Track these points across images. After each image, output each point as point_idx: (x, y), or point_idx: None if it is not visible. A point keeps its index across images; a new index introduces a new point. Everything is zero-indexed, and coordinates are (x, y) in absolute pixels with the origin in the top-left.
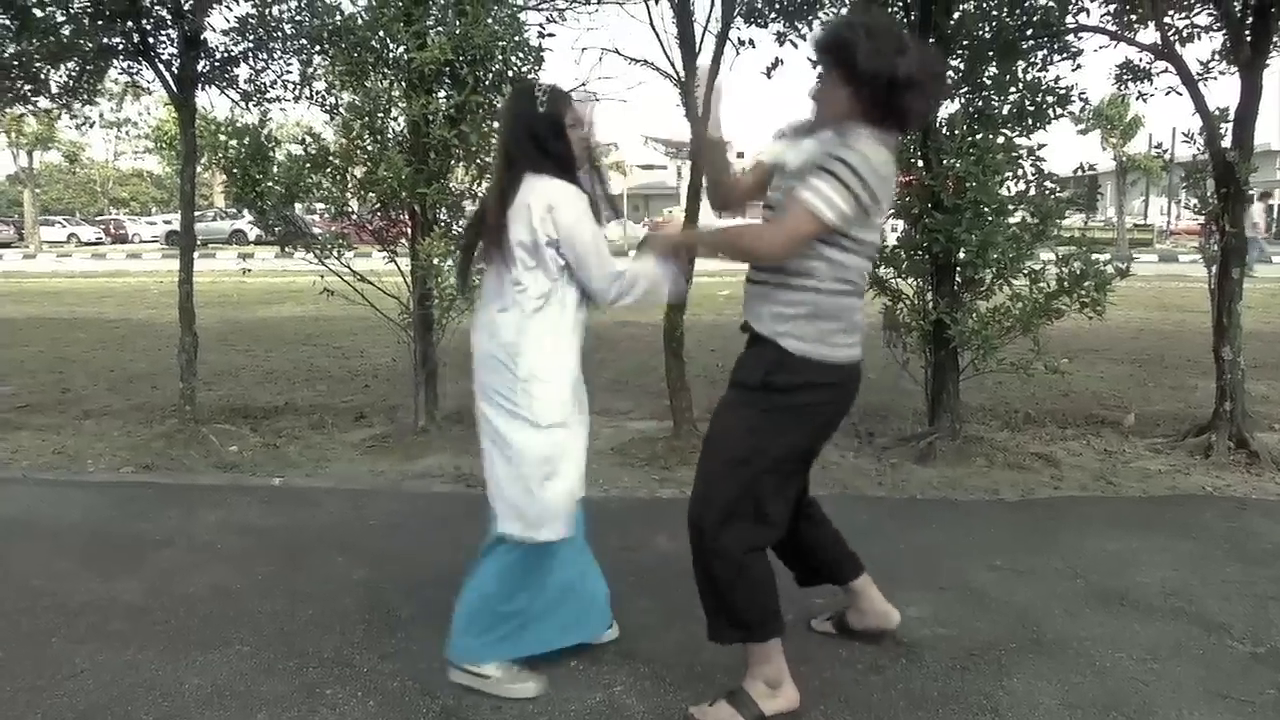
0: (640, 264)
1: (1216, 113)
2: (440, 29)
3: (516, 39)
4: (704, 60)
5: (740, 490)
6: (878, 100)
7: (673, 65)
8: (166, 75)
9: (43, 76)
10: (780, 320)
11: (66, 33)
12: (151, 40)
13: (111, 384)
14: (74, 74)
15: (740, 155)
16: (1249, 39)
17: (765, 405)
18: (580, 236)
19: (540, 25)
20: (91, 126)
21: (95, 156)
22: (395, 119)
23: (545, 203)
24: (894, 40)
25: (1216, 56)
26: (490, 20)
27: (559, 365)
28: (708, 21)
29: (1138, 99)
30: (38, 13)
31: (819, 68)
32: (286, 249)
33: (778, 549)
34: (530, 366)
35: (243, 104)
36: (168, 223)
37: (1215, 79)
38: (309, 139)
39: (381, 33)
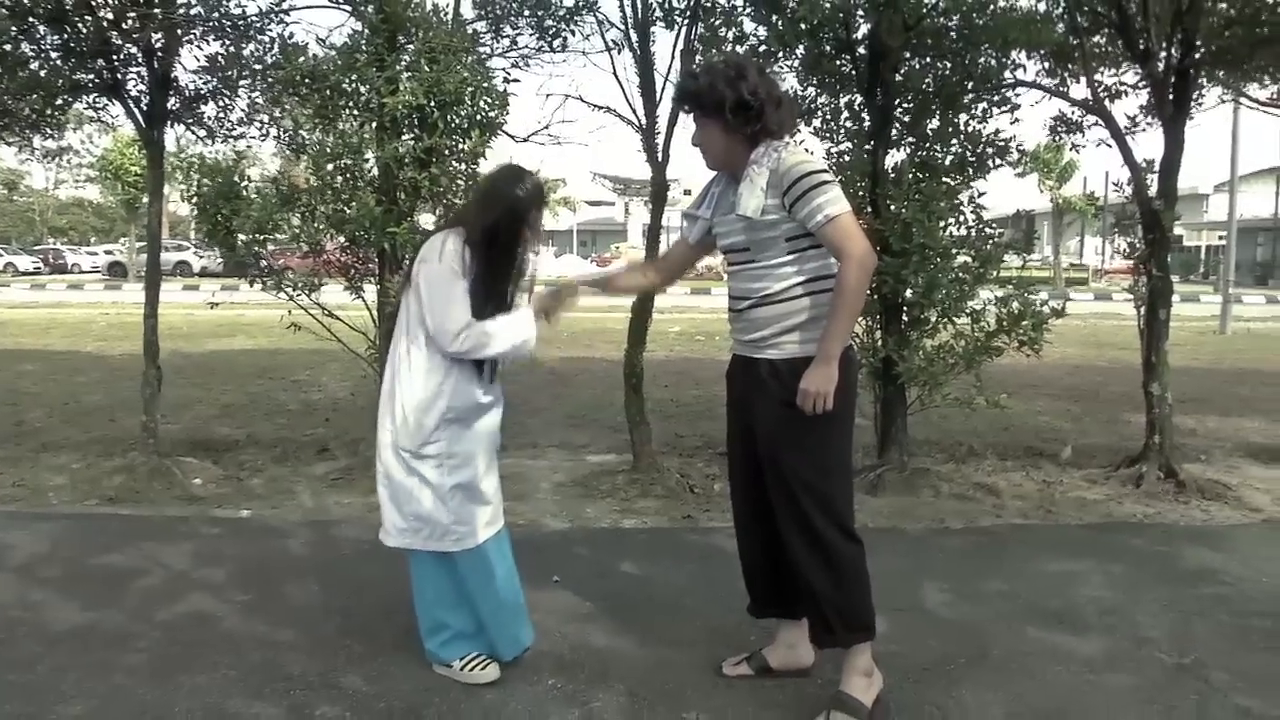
0: (511, 321)
1: (1143, 164)
2: (411, 74)
3: (485, 84)
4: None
5: (848, 491)
6: (743, 122)
7: (634, 112)
8: (135, 112)
9: (11, 111)
10: (808, 329)
11: (35, 67)
12: (121, 77)
13: (67, 417)
14: (37, 108)
15: (688, 193)
16: (1171, 97)
17: (821, 412)
18: (429, 287)
19: (505, 70)
20: (44, 159)
21: (34, 184)
22: (366, 160)
23: (421, 254)
24: (730, 69)
25: (1142, 112)
26: (460, 66)
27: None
28: (668, 72)
29: (1071, 149)
30: (7, 48)
31: (692, 119)
32: (253, 284)
33: (755, 572)
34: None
35: (210, 140)
36: (109, 253)
37: (1144, 130)
38: (280, 177)
39: (354, 76)
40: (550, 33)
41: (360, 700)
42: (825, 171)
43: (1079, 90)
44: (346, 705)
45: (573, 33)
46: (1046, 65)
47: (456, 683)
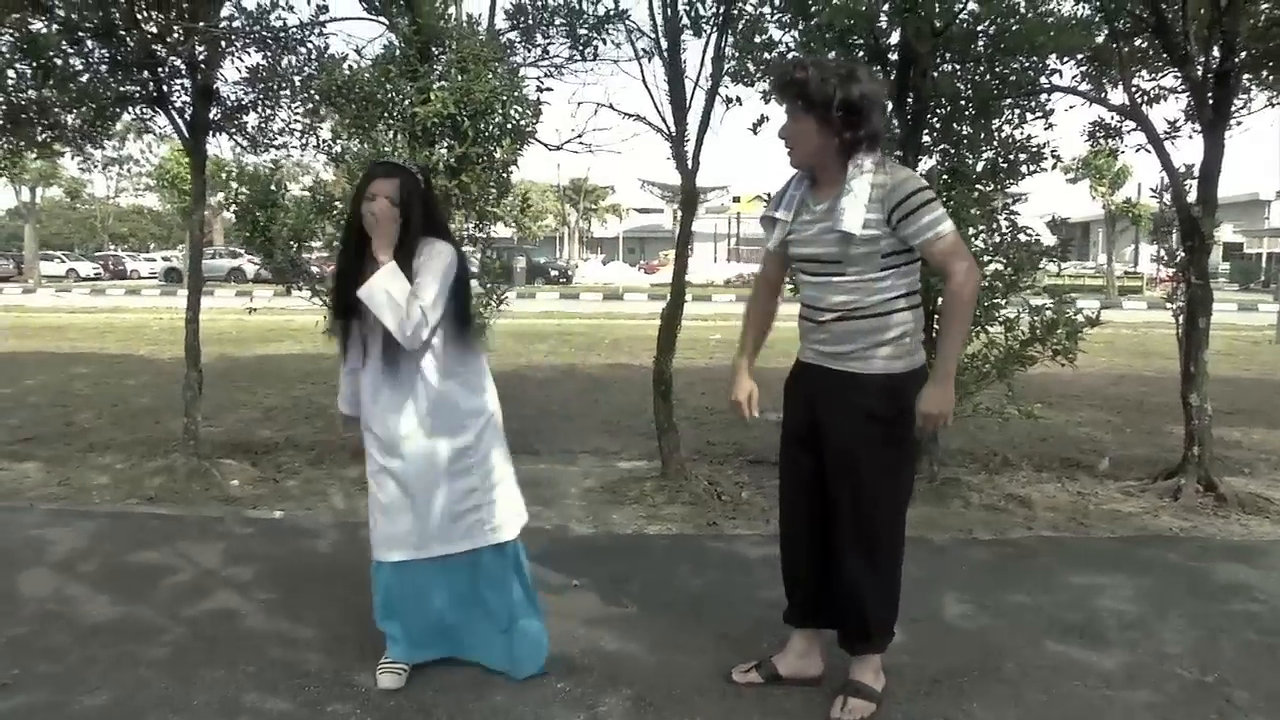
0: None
1: (1182, 170)
2: (444, 84)
3: (516, 94)
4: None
5: (907, 505)
6: (845, 124)
7: (664, 120)
8: (179, 122)
9: (62, 122)
10: (898, 344)
11: (84, 80)
12: (166, 89)
13: (115, 418)
14: (88, 119)
15: (736, 199)
16: (1211, 102)
17: (901, 428)
18: None
19: (538, 80)
20: (104, 169)
21: (96, 192)
22: None
23: None
24: (842, 68)
25: (1182, 117)
26: (491, 76)
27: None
28: (698, 79)
29: (1109, 155)
30: (58, 61)
31: (784, 108)
32: (292, 290)
33: (799, 581)
34: None
35: (250, 150)
36: (166, 259)
37: (1189, 138)
38: (316, 185)
39: (389, 87)
40: (582, 41)
41: (371, 698)
42: (931, 189)
43: (1117, 95)
44: (358, 703)
45: (604, 41)
46: (1084, 70)
47: (466, 684)
